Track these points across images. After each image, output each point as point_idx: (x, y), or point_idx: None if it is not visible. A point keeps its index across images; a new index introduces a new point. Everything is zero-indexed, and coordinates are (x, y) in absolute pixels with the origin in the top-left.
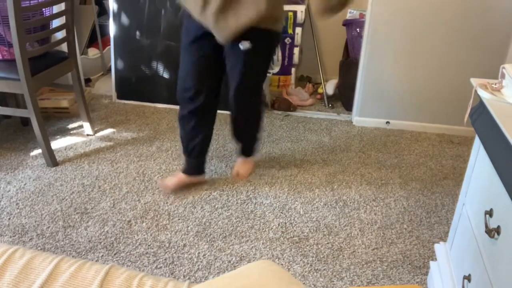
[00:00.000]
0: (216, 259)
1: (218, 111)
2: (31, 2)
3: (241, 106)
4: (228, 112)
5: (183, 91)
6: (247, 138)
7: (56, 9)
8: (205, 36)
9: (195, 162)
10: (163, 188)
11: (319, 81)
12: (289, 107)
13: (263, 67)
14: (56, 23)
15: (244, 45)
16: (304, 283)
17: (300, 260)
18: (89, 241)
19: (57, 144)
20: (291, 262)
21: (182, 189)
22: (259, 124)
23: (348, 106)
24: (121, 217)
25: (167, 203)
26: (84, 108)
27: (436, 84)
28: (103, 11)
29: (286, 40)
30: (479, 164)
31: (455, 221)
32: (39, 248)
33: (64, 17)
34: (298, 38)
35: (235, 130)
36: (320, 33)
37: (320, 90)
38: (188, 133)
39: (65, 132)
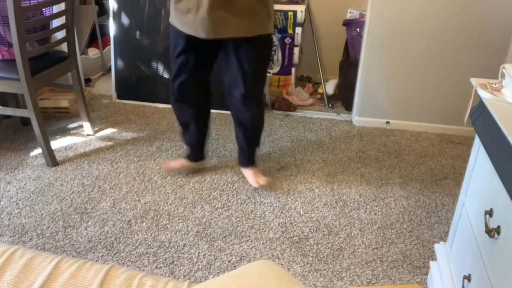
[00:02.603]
0: (216, 259)
1: (218, 111)
2: (31, 2)
3: (250, 108)
4: (227, 112)
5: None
6: (254, 142)
7: (56, 9)
8: (196, 41)
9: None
10: (165, 168)
11: (319, 81)
12: (289, 107)
13: (267, 60)
14: (56, 23)
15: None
16: (304, 283)
17: (300, 260)
18: (89, 241)
19: (57, 144)
20: (291, 262)
21: (184, 172)
22: (263, 124)
23: (348, 106)
24: (121, 217)
25: (167, 203)
26: (84, 108)
27: (436, 84)
28: (103, 11)
29: (286, 40)
30: (479, 164)
31: (455, 221)
32: (39, 248)
33: (64, 17)
34: (298, 38)
35: (245, 137)
36: (320, 33)
37: (320, 90)
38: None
39: (65, 132)
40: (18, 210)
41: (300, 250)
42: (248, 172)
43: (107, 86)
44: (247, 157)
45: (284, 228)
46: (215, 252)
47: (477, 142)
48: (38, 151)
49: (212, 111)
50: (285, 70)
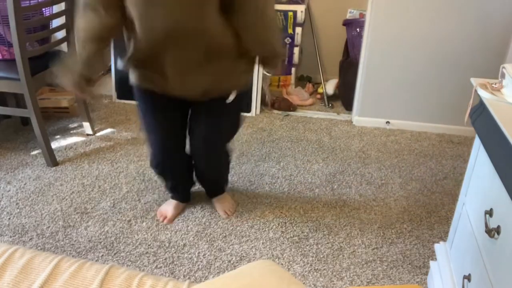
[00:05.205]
0: (216, 259)
1: None
2: (31, 2)
3: (210, 157)
4: None
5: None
6: (218, 182)
7: (56, 9)
8: (169, 101)
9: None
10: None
11: (319, 81)
12: (289, 107)
13: (239, 117)
14: (56, 23)
15: (231, 96)
16: (304, 283)
17: (300, 260)
18: (89, 241)
19: (57, 144)
20: (291, 262)
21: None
22: (228, 166)
23: (348, 106)
24: (121, 217)
25: None
26: (84, 108)
27: (436, 84)
28: None
29: (286, 40)
30: (479, 164)
31: (455, 221)
32: (39, 248)
33: (64, 17)
34: (298, 38)
35: (203, 181)
36: (320, 33)
37: (320, 90)
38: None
39: (65, 132)
40: (18, 210)
41: (300, 250)
42: (217, 201)
43: (107, 86)
44: (215, 190)
45: (284, 228)
46: (215, 252)
47: (477, 142)
48: (38, 151)
49: None
50: (285, 70)
